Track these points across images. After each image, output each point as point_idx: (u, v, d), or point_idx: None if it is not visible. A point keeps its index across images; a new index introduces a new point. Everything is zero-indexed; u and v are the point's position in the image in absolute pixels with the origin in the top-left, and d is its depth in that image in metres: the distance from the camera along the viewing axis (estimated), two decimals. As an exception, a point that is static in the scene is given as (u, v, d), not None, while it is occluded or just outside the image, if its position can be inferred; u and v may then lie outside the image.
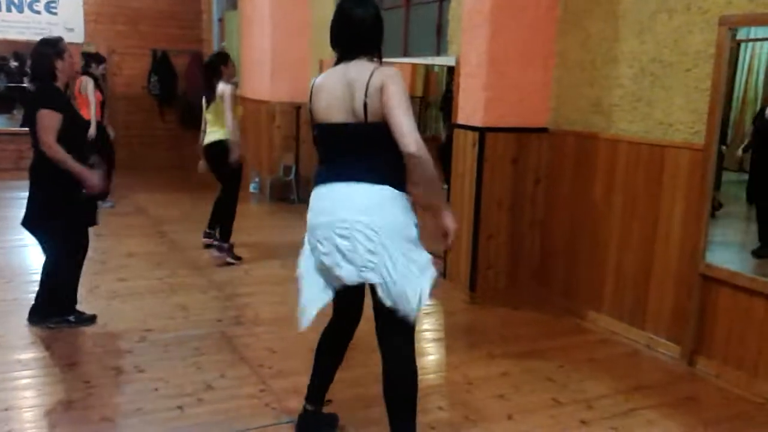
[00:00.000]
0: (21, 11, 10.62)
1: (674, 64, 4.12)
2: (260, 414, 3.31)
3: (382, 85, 2.56)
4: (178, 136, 11.64)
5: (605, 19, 4.57)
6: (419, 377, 3.62)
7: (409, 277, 2.60)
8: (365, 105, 2.59)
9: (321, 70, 8.56)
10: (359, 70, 2.65)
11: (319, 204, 2.74)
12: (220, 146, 6.00)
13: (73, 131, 4.13)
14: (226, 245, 6.03)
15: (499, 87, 4.85)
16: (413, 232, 2.63)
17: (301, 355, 4.04)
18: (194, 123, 11.57)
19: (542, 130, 5.03)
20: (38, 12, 10.71)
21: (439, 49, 6.61)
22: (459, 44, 5.51)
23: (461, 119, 5.10)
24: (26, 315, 4.54)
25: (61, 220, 4.17)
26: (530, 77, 4.93)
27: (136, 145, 11.10)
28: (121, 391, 3.51)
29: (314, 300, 2.77)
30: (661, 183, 4.21)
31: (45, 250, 4.33)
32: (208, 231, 6.42)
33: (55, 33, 10.70)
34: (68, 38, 10.73)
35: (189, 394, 3.48)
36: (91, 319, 4.40)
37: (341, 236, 2.60)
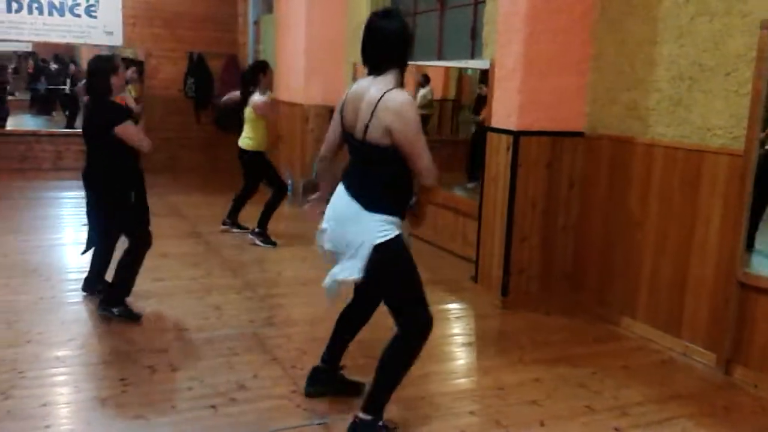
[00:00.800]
0: (62, 15, 10.84)
1: (714, 67, 4.05)
2: (292, 415, 3.33)
3: (392, 121, 2.80)
4: (214, 139, 11.75)
5: (643, 23, 4.51)
6: (452, 380, 3.64)
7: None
8: (366, 127, 2.86)
9: (355, 73, 8.60)
10: (376, 89, 2.87)
11: (332, 197, 3.14)
12: (244, 155, 6.73)
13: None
14: (259, 230, 6.54)
15: (535, 91, 4.82)
16: (355, 249, 2.92)
17: (332, 356, 4.06)
18: (230, 125, 11.77)
19: (577, 134, 4.98)
20: (78, 16, 10.92)
21: (474, 53, 6.60)
22: (494, 47, 5.49)
23: (495, 123, 5.08)
24: (64, 313, 4.65)
25: (126, 213, 4.49)
26: (566, 81, 4.89)
27: (172, 147, 11.26)
28: (156, 389, 3.56)
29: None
30: (698, 189, 4.14)
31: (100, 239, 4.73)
32: (226, 220, 7.00)
33: (94, 36, 10.99)
34: (107, 42, 11.06)
35: (222, 393, 3.51)
36: (137, 317, 4.48)
37: (321, 230, 3.12)
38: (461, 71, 7.87)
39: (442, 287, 5.32)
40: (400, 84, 2.93)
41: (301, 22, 8.90)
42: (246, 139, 6.67)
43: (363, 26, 3.00)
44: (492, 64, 5.53)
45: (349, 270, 2.93)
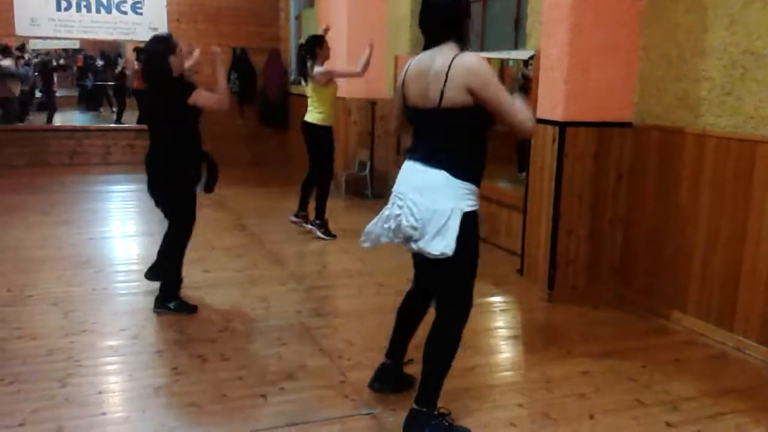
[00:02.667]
0: (109, 12, 11.06)
1: (767, 56, 3.95)
2: (340, 405, 3.36)
3: (470, 81, 2.79)
4: (257, 132, 11.92)
5: (693, 10, 4.42)
6: (498, 373, 3.64)
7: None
8: (441, 93, 2.84)
9: (396, 66, 8.60)
10: (442, 58, 2.87)
11: (399, 175, 3.06)
12: (312, 128, 6.55)
13: (192, 116, 4.44)
14: (319, 221, 6.49)
15: (581, 81, 4.76)
16: (444, 221, 2.82)
17: (378, 348, 4.06)
18: (272, 119, 11.90)
19: (625, 125, 4.91)
20: (125, 12, 11.14)
21: (517, 43, 6.55)
22: (538, 38, 5.44)
23: (540, 114, 5.03)
24: (116, 304, 4.77)
25: (185, 196, 4.50)
26: (613, 71, 4.82)
27: (216, 141, 11.40)
28: (207, 378, 3.62)
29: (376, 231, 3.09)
30: (751, 180, 4.05)
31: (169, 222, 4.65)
32: (298, 212, 6.81)
33: (140, 33, 11.17)
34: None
35: (271, 382, 3.57)
36: (193, 309, 4.54)
37: (399, 206, 2.95)
38: (503, 62, 7.81)
39: (488, 280, 5.30)
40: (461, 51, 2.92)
41: (343, 16, 8.93)
42: (315, 113, 6.54)
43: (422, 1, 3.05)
44: (536, 55, 5.48)
45: (446, 242, 2.81)
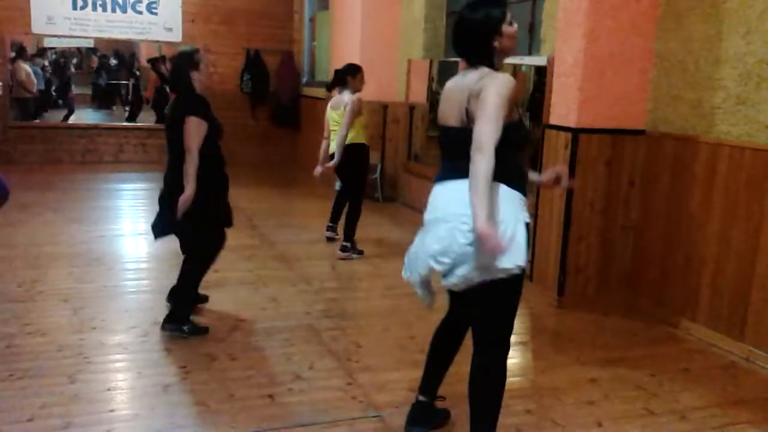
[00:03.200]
0: (124, 12, 11.14)
1: (783, 65, 3.93)
2: (348, 407, 3.36)
3: (480, 91, 2.59)
4: (269, 134, 11.96)
5: (709, 19, 4.40)
6: (507, 378, 3.60)
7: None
8: (467, 111, 2.65)
9: (409, 70, 8.62)
10: (472, 77, 2.69)
11: (432, 201, 2.77)
12: (351, 149, 6.22)
13: (213, 137, 4.21)
14: (349, 244, 6.20)
15: (595, 87, 4.75)
16: (513, 229, 2.55)
17: (386, 351, 4.10)
18: (284, 121, 11.94)
19: (639, 133, 4.89)
20: (140, 12, 11.21)
21: (531, 49, 6.54)
22: (552, 44, 5.43)
23: (553, 120, 5.02)
24: (126, 301, 4.79)
25: (203, 221, 4.20)
26: (628, 78, 4.81)
27: (228, 142, 11.44)
28: (215, 377, 3.63)
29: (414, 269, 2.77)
30: (764, 189, 4.02)
31: (184, 252, 4.41)
32: (330, 225, 6.67)
33: (155, 32, 11.24)
34: (167, 38, 11.30)
35: (279, 383, 3.57)
36: (204, 331, 4.27)
37: (446, 229, 2.60)
38: (515, 67, 7.80)
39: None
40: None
41: (356, 18, 8.95)
42: (349, 135, 6.23)
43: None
44: (550, 61, 5.47)
45: (518, 254, 2.53)
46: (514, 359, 4.19)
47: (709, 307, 4.41)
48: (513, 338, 4.45)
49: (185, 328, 4.22)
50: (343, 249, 6.19)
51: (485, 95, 2.56)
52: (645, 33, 4.78)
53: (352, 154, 6.25)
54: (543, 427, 3.26)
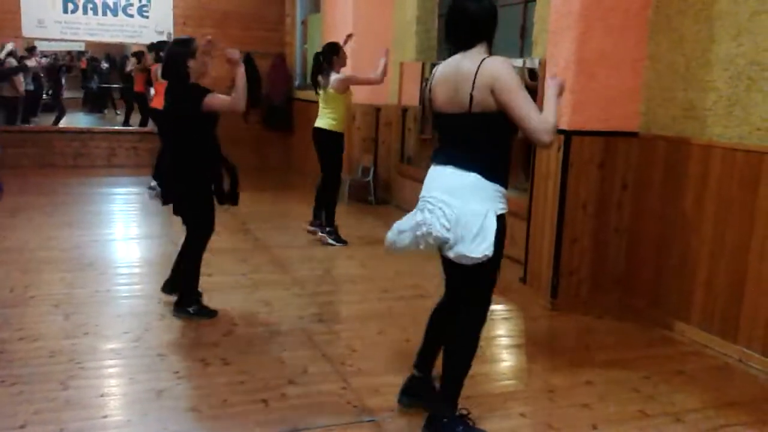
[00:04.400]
0: (115, 15, 11.10)
1: (775, 67, 3.94)
2: (342, 411, 3.35)
3: (493, 83, 2.78)
4: (261, 137, 11.93)
5: (700, 21, 4.42)
6: (500, 381, 3.61)
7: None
8: (471, 97, 2.82)
9: (401, 72, 8.61)
10: (470, 62, 2.86)
11: (426, 180, 3.04)
12: (325, 134, 6.51)
13: (210, 124, 4.42)
14: (329, 228, 6.45)
15: (587, 90, 4.76)
16: (480, 222, 2.81)
17: (381, 355, 4.09)
18: (277, 124, 11.91)
19: (631, 135, 4.90)
20: (131, 16, 11.17)
21: (523, 51, 6.55)
22: (544, 46, 5.44)
23: (546, 122, 5.02)
24: (118, 306, 4.77)
25: (203, 204, 4.47)
26: (620, 80, 4.82)
27: (221, 145, 11.43)
28: (209, 382, 3.61)
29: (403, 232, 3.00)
30: (757, 191, 4.03)
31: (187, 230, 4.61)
32: (313, 221, 6.78)
33: (146, 36, 11.19)
34: (158, 41, 11.22)
35: (273, 388, 3.55)
36: (213, 313, 4.51)
37: (429, 210, 2.89)
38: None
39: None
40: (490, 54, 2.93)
41: (348, 21, 8.94)
42: (327, 119, 6.50)
43: (448, 8, 3.03)
44: (542, 63, 5.48)
45: (485, 245, 2.80)
46: (508, 362, 4.19)
47: (703, 308, 4.42)
48: (507, 341, 4.50)
49: (191, 309, 4.39)
50: (323, 231, 6.52)
51: (507, 86, 2.77)
52: (636, 35, 4.80)
53: (329, 141, 6.48)
54: (538, 430, 3.26)
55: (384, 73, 6.67)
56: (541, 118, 2.81)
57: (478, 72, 2.81)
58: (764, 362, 4.00)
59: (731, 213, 4.20)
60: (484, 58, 2.85)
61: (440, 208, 2.85)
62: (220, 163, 4.50)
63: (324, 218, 6.59)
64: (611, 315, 4.89)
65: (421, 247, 2.96)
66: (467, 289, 3.06)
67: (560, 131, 4.83)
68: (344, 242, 6.54)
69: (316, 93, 6.61)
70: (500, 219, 2.89)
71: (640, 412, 3.45)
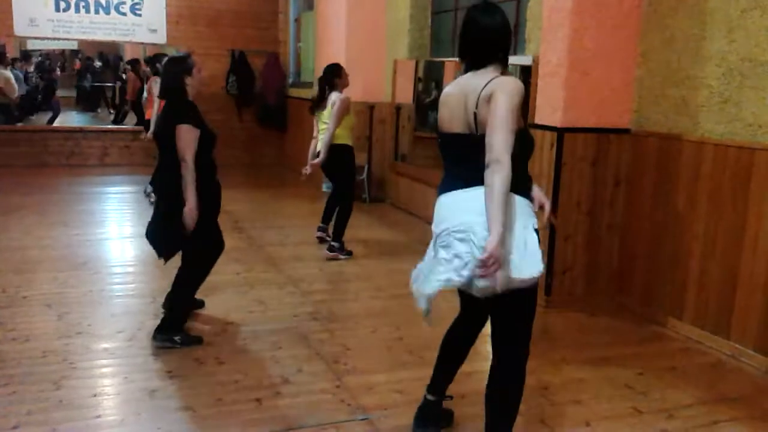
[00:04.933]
0: (108, 13, 11.07)
1: (765, 63, 3.95)
2: (336, 410, 3.35)
3: (491, 95, 2.53)
4: (255, 135, 11.93)
5: (692, 17, 4.43)
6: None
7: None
8: (475, 116, 2.59)
9: (395, 70, 8.61)
10: (479, 80, 2.63)
11: (440, 212, 2.71)
12: (338, 150, 6.23)
13: (206, 145, 4.11)
14: (337, 245, 6.19)
15: (580, 87, 4.77)
16: (525, 237, 2.54)
17: (375, 353, 4.09)
18: (271, 122, 11.90)
19: (624, 132, 4.91)
20: (124, 14, 11.14)
21: (516, 49, 6.55)
22: (537, 43, 5.45)
23: (538, 119, 5.03)
24: (112, 306, 4.75)
25: (202, 230, 4.10)
26: (612, 77, 4.82)
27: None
28: (202, 381, 3.61)
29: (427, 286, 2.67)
30: (749, 187, 4.05)
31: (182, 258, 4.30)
32: (321, 225, 6.65)
33: (139, 34, 11.18)
34: (151, 39, 11.25)
35: (267, 387, 3.55)
36: (198, 341, 4.15)
37: (460, 240, 2.54)
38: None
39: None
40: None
41: (342, 19, 8.94)
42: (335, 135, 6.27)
43: (462, 22, 2.79)
44: (535, 61, 5.48)
45: (534, 261, 2.51)
46: (502, 359, 4.19)
47: (696, 305, 4.43)
48: (501, 338, 4.48)
49: (177, 338, 4.08)
50: (331, 249, 6.19)
51: (496, 104, 2.51)
52: (629, 32, 4.80)
53: (338, 154, 6.26)
54: (531, 427, 3.27)
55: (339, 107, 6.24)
56: (504, 148, 2.45)
57: (483, 91, 2.57)
58: (756, 358, 4.01)
59: (723, 209, 4.22)
60: (495, 77, 2.61)
61: (478, 231, 2.48)
62: (216, 186, 4.25)
63: (334, 232, 6.30)
64: (604, 312, 4.90)
65: (456, 284, 2.59)
66: (505, 321, 2.72)
67: (553, 129, 4.85)
68: (350, 253, 6.29)
69: (312, 114, 6.43)
70: (538, 234, 2.62)
71: (633, 409, 3.46)
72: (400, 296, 5.11)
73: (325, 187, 9.46)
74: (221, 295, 4.97)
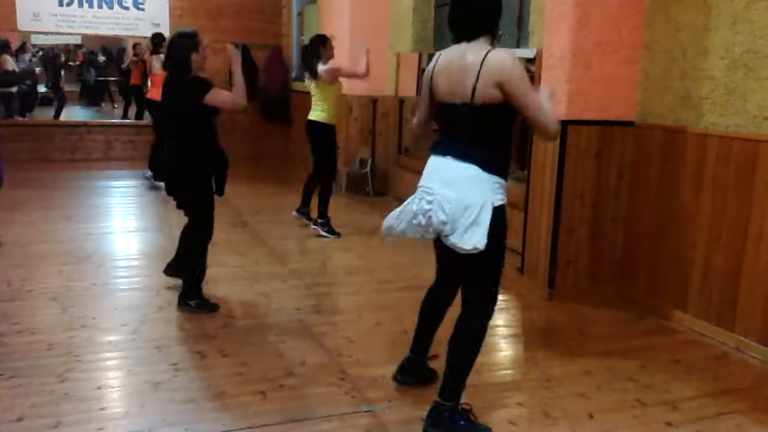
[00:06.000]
0: (111, 8, 11.06)
1: (771, 55, 3.94)
2: (340, 402, 3.35)
3: (500, 80, 2.79)
4: (259, 129, 11.91)
5: (696, 9, 4.41)
6: (498, 371, 3.61)
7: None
8: (474, 89, 2.83)
9: (398, 63, 8.59)
10: (475, 53, 2.87)
11: (426, 170, 3.05)
12: (315, 127, 6.57)
13: (211, 114, 4.42)
14: (321, 221, 6.50)
15: (584, 79, 4.75)
16: (476, 214, 2.82)
17: (378, 345, 4.10)
18: (274, 115, 11.89)
19: (628, 124, 4.90)
20: (127, 8, 11.13)
21: (520, 41, 6.53)
22: (540, 36, 5.43)
23: (543, 112, 5.01)
24: (116, 299, 4.77)
25: (204, 199, 4.47)
26: (616, 69, 4.81)
27: (219, 136, 11.42)
28: (207, 374, 3.62)
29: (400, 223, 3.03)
30: (753, 179, 4.03)
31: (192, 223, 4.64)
32: (300, 208, 6.94)
33: (141, 28, 11.16)
34: (155, 32, 11.18)
35: (271, 379, 3.56)
36: (213, 308, 4.50)
37: (427, 201, 2.92)
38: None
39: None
40: (492, 45, 2.95)
41: (345, 11, 8.92)
42: (318, 112, 6.55)
43: None
44: (539, 53, 5.47)
45: (477, 237, 2.81)
46: (505, 352, 4.20)
47: (700, 297, 4.43)
48: (504, 331, 4.50)
49: (192, 302, 4.42)
50: (315, 223, 6.54)
51: (517, 86, 2.80)
52: (632, 24, 4.78)
53: (319, 133, 6.53)
54: (535, 419, 3.27)
55: (367, 70, 6.73)
56: (550, 112, 2.92)
57: (483, 64, 2.82)
58: (761, 350, 4.01)
59: (728, 201, 4.20)
60: (489, 51, 2.85)
61: (438, 201, 2.86)
62: (220, 155, 4.48)
63: (318, 209, 6.58)
64: (608, 304, 4.90)
65: (418, 236, 2.99)
66: (470, 283, 3.07)
67: (557, 121, 4.83)
68: (337, 234, 6.53)
69: (308, 83, 6.66)
70: (499, 210, 2.89)
71: (636, 401, 3.46)
72: (404, 289, 5.12)
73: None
74: (225, 289, 4.98)
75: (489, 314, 3.08)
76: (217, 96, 4.30)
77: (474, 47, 2.90)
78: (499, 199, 2.89)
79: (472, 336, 3.05)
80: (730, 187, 4.18)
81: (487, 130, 2.91)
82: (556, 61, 4.84)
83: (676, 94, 4.58)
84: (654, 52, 4.74)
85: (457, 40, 2.98)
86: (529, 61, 5.89)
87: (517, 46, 6.53)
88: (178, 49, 4.31)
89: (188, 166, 4.38)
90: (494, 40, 2.96)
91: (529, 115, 2.85)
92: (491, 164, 2.88)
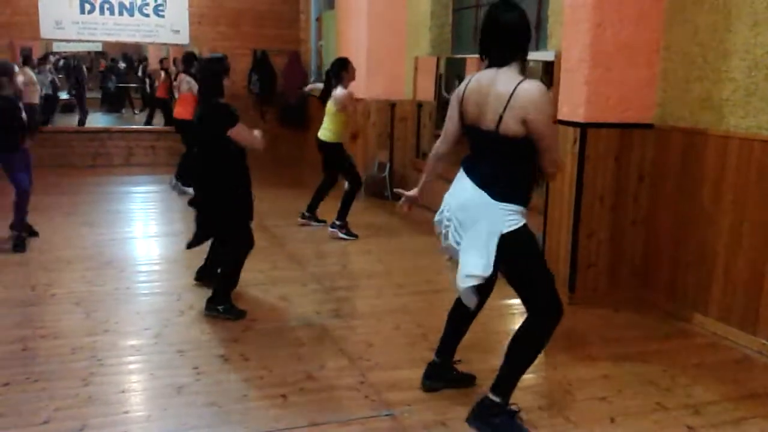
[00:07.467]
0: (132, 15, 11.18)
1: (793, 56, 3.90)
2: (360, 405, 3.37)
3: (527, 116, 2.84)
4: (277, 134, 11.93)
5: (716, 11, 4.38)
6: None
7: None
8: (500, 118, 2.88)
9: (416, 67, 8.61)
10: (504, 82, 2.91)
11: (454, 182, 3.16)
12: (324, 145, 6.88)
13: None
14: (339, 223, 6.70)
15: (603, 82, 4.74)
16: (483, 241, 2.94)
17: (398, 349, 4.11)
18: (292, 121, 11.95)
19: (647, 127, 4.87)
20: (147, 15, 11.24)
21: (538, 44, 6.52)
22: (559, 39, 5.42)
23: (561, 115, 5.00)
24: (138, 303, 4.83)
25: (238, 218, 4.60)
26: (635, 72, 4.79)
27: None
28: (228, 378, 3.65)
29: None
30: (776, 181, 4.00)
31: (225, 247, 4.78)
32: (306, 213, 7.21)
33: (162, 35, 11.27)
34: (174, 40, 11.34)
35: (291, 383, 3.58)
36: (241, 314, 4.52)
37: (447, 219, 3.12)
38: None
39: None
40: (523, 74, 2.98)
41: (363, 17, 8.95)
42: (325, 131, 6.83)
43: (483, 19, 3.05)
44: (557, 56, 5.45)
45: (481, 266, 2.94)
46: (525, 356, 4.18)
47: (722, 300, 4.39)
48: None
49: (220, 308, 4.46)
50: (333, 226, 6.71)
51: (541, 122, 2.86)
52: (651, 26, 4.76)
53: (325, 150, 6.87)
54: (556, 423, 3.26)
55: (341, 101, 6.82)
56: (558, 153, 3.06)
57: (512, 97, 2.86)
58: (784, 354, 3.97)
59: (749, 203, 4.17)
60: (520, 82, 2.88)
61: (453, 222, 3.07)
62: (249, 179, 4.63)
63: (338, 212, 6.75)
64: (629, 308, 4.87)
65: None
66: (524, 293, 3.13)
67: (576, 124, 4.82)
68: (355, 236, 6.67)
69: (323, 104, 6.94)
70: (513, 234, 2.95)
71: (658, 405, 3.44)
72: (423, 293, 5.13)
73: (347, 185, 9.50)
74: (245, 293, 5.01)
75: (548, 321, 3.07)
76: (240, 132, 4.42)
77: (504, 76, 2.93)
78: (509, 226, 2.94)
79: (530, 339, 3.10)
80: (752, 189, 4.15)
81: (509, 160, 2.97)
82: (575, 64, 4.83)
83: (696, 96, 4.55)
84: (673, 54, 4.72)
85: (490, 65, 3.01)
86: (548, 64, 5.88)
87: (536, 48, 6.52)
88: (213, 74, 4.43)
89: (219, 187, 4.50)
90: (524, 63, 3.00)
91: (543, 145, 2.92)
92: (505, 194, 2.95)
